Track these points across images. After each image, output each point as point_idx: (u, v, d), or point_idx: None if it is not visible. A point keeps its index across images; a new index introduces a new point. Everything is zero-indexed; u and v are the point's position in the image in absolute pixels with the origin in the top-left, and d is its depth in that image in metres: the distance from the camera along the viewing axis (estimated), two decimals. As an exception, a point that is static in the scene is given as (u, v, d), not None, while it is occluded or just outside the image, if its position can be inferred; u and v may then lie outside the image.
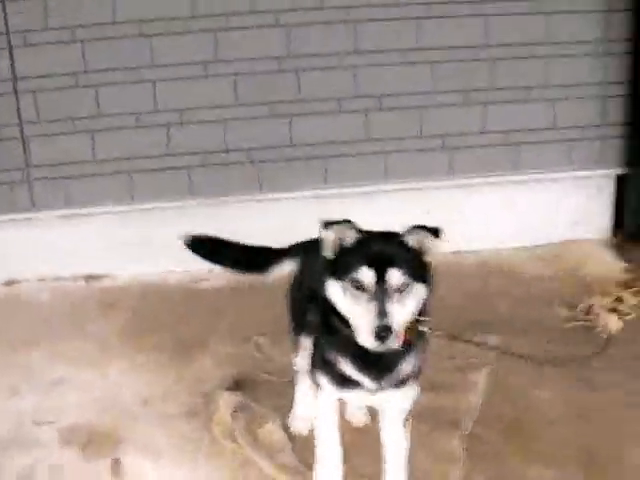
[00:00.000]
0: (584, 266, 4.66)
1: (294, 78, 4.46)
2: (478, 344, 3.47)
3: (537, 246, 4.85)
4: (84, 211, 4.60)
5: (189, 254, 3.39)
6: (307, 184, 4.61)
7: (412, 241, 2.39)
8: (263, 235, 3.22)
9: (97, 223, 4.63)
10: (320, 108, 4.51)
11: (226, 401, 3.34)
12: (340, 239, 2.40)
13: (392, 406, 2.70)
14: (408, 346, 2.50)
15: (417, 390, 2.65)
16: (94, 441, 3.23)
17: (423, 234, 2.39)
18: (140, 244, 4.62)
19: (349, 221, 2.42)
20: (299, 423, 3.22)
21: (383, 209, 4.48)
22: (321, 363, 2.62)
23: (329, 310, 2.45)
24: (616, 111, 4.72)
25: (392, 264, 2.32)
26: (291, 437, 3.18)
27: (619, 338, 3.92)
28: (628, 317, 4.06)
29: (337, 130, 4.56)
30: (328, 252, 2.43)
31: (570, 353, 3.68)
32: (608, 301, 4.17)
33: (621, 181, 4.89)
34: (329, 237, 2.41)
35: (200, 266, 4.47)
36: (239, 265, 3.32)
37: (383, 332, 2.28)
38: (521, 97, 4.65)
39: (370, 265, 2.32)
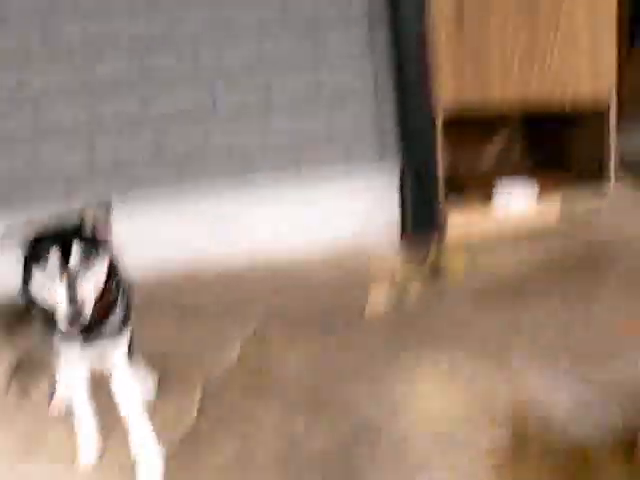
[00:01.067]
0: (370, 264, 4.90)
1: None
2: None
3: (327, 251, 5.03)
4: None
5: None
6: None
7: (87, 222, 2.74)
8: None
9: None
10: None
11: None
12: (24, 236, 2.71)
13: (115, 352, 2.96)
14: (111, 308, 2.85)
15: (129, 333, 2.98)
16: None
17: (95, 213, 2.77)
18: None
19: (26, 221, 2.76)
20: (55, 405, 3.47)
21: (178, 218, 4.96)
22: (46, 327, 2.85)
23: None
24: (389, 118, 5.00)
25: (70, 247, 2.60)
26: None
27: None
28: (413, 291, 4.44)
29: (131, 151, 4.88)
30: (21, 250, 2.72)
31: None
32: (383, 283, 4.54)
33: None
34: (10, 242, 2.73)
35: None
36: None
37: (75, 317, 2.57)
38: (300, 110, 4.97)
39: (52, 251, 2.59)
